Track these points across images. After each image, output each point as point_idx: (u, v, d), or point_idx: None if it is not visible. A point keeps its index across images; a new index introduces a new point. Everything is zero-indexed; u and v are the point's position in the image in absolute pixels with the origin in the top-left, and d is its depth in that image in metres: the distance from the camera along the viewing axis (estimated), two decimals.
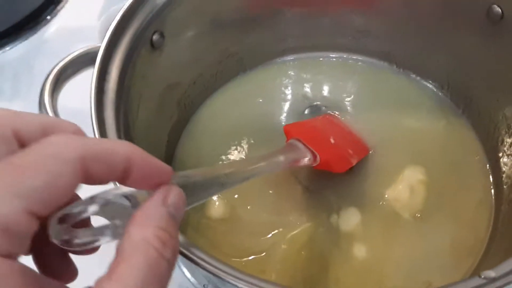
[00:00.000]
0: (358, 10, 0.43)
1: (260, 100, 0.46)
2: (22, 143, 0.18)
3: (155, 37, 0.35)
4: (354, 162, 0.39)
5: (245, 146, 0.42)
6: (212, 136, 0.43)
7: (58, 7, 0.59)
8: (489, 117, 0.41)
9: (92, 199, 0.19)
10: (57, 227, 0.18)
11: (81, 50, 0.31)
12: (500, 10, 0.35)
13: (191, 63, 0.41)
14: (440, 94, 0.45)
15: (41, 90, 0.29)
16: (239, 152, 0.42)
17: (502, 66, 0.38)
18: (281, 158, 0.34)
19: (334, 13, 0.44)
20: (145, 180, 0.19)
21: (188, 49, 0.40)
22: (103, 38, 0.52)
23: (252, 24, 0.43)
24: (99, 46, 0.31)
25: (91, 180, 0.18)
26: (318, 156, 0.36)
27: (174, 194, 0.20)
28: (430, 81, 0.45)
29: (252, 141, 0.42)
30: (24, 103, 0.50)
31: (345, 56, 0.48)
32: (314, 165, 0.37)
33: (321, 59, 0.48)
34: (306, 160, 0.36)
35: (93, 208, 0.18)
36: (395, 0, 0.41)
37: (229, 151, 0.42)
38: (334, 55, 0.48)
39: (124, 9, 0.32)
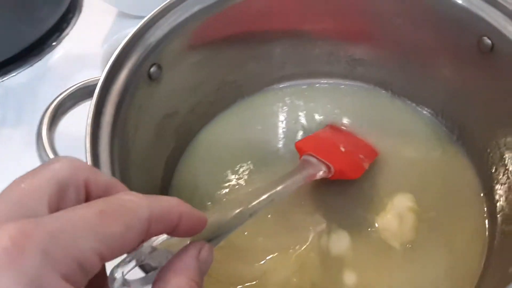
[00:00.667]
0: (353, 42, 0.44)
1: (258, 127, 0.46)
2: (88, 195, 0.21)
3: (152, 69, 0.36)
4: (366, 166, 0.40)
5: (244, 173, 0.43)
6: (210, 163, 0.43)
7: (63, 34, 0.61)
8: (483, 145, 0.41)
9: (143, 249, 0.21)
10: (120, 276, 0.20)
11: (80, 84, 0.32)
12: (490, 41, 0.36)
13: (188, 92, 0.42)
14: (435, 120, 0.45)
15: (39, 124, 0.30)
16: (237, 179, 0.42)
17: (495, 95, 0.38)
18: (299, 176, 0.36)
19: (329, 42, 0.45)
20: (187, 232, 0.22)
21: (185, 79, 0.41)
22: (105, 66, 0.54)
23: (248, 53, 0.44)
24: (98, 79, 0.32)
25: (147, 235, 0.20)
26: (332, 167, 0.38)
27: (205, 250, 0.23)
28: (425, 108, 0.45)
29: (250, 167, 0.43)
30: (28, 131, 0.51)
31: (340, 83, 0.48)
32: (329, 176, 0.38)
33: (317, 85, 0.49)
34: (321, 173, 0.38)
35: (144, 256, 0.21)
36: (389, 33, 0.41)
37: (228, 178, 0.42)
38: (329, 82, 0.48)
39: (122, 45, 0.33)
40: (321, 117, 0.47)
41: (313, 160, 0.38)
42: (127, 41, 0.33)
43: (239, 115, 0.47)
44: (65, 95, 0.32)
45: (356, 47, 0.44)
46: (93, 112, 0.31)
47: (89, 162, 0.28)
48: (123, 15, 0.62)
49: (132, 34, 0.34)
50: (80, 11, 0.63)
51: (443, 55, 0.40)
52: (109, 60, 0.54)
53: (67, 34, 0.61)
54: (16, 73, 0.57)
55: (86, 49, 0.60)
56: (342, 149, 0.41)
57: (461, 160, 0.42)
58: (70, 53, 0.60)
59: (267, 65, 0.46)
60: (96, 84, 0.32)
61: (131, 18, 0.62)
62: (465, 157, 0.42)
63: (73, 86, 0.32)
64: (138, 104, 0.35)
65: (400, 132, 0.45)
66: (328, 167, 0.38)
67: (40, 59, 0.58)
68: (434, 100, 0.45)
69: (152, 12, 0.36)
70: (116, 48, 0.55)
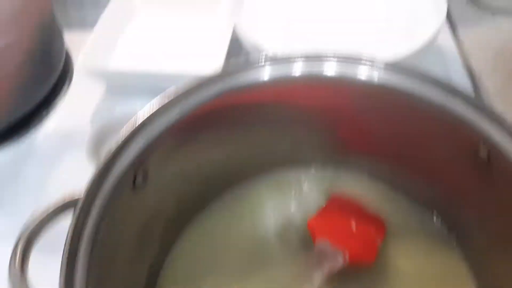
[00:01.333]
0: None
1: (249, 220, 0.45)
2: None
3: (137, 179, 0.35)
4: (379, 243, 0.39)
5: (234, 274, 0.40)
6: (197, 266, 0.41)
7: (50, 111, 0.59)
8: (480, 250, 0.39)
9: None
10: None
11: (58, 204, 0.30)
12: (486, 153, 0.35)
13: (174, 191, 0.40)
14: (433, 220, 0.43)
15: (11, 256, 0.28)
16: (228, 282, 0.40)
17: (494, 205, 0.37)
18: (320, 272, 0.35)
19: (323, 133, 0.44)
20: None
21: (171, 179, 0.39)
22: (95, 148, 0.53)
23: (235, 147, 0.43)
24: (77, 199, 0.30)
25: None
26: (347, 254, 0.36)
27: None
28: (424, 206, 0.44)
29: (244, 268, 0.41)
30: (7, 216, 0.48)
31: (336, 173, 0.47)
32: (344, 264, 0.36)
33: (312, 173, 0.47)
34: (338, 265, 0.36)
35: None
36: (385, 134, 0.40)
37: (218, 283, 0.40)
38: (322, 171, 0.47)
39: (103, 162, 0.32)
40: (312, 208, 0.45)
41: (329, 249, 0.36)
42: (108, 157, 0.32)
43: (228, 208, 0.45)
44: (42, 217, 0.30)
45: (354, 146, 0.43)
46: (70, 236, 0.29)
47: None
48: (111, 91, 0.61)
49: (115, 149, 0.33)
50: (68, 86, 0.62)
51: (442, 158, 0.39)
52: (97, 142, 0.53)
53: (53, 111, 0.60)
54: None
55: (74, 126, 0.58)
56: (354, 228, 0.40)
57: (460, 265, 0.40)
58: (57, 130, 0.58)
59: (256, 153, 0.45)
60: (74, 203, 0.30)
61: (120, 93, 0.61)
62: (463, 262, 0.41)
63: (48, 208, 0.30)
64: (120, 218, 0.33)
65: (394, 229, 0.43)
66: (344, 255, 0.36)
67: (25, 137, 0.57)
68: (432, 198, 0.43)
69: (138, 119, 0.34)
70: (104, 129, 0.55)
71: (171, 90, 0.36)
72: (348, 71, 0.35)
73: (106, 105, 0.60)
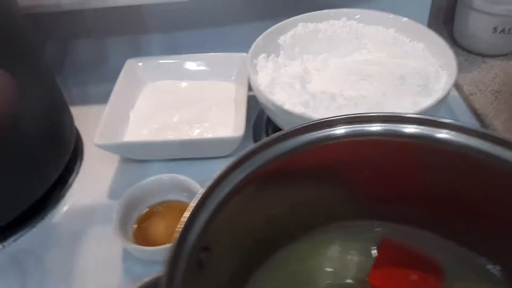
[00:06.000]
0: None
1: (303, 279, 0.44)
2: None
3: (202, 255, 0.34)
4: None
5: None
6: None
7: (66, 189, 0.58)
8: None
9: None
10: None
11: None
12: None
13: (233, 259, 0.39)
14: (492, 270, 0.43)
15: None
16: None
17: None
18: None
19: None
20: None
21: (232, 253, 0.38)
22: (122, 224, 0.51)
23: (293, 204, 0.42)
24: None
25: None
26: None
27: None
28: (481, 255, 0.43)
29: None
30: None
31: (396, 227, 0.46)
32: None
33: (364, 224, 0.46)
34: None
35: None
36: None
37: None
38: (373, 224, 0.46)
39: (177, 240, 0.31)
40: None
41: None
42: (175, 243, 0.31)
43: (278, 269, 0.44)
44: None
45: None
46: None
47: None
48: (125, 160, 0.61)
49: (185, 225, 0.32)
50: (81, 161, 0.61)
51: (491, 208, 0.40)
52: (122, 217, 0.51)
53: (70, 188, 0.58)
54: (14, 239, 0.52)
55: (92, 201, 0.56)
56: (414, 277, 0.39)
57: None
58: (74, 208, 0.56)
59: (313, 207, 0.44)
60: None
61: (134, 162, 0.60)
62: None
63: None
64: None
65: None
66: None
67: (43, 219, 0.55)
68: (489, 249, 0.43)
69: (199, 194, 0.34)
70: (129, 201, 0.53)
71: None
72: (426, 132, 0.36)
73: (122, 175, 0.58)
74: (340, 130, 0.36)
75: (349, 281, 0.43)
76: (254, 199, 0.39)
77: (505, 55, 0.71)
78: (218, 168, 0.56)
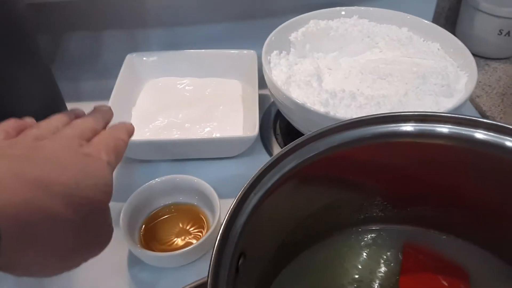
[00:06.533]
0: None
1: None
2: None
3: (240, 261, 0.31)
4: None
5: None
6: None
7: None
8: None
9: None
10: None
11: None
12: None
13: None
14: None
15: None
16: None
17: None
18: None
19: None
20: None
21: (261, 255, 0.36)
22: (130, 225, 0.48)
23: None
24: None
25: None
26: None
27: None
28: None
29: None
30: None
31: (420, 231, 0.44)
32: None
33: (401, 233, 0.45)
34: None
35: None
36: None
37: None
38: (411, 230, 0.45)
39: (217, 246, 0.29)
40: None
41: None
42: (216, 251, 0.29)
43: (303, 270, 0.42)
44: None
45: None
46: None
47: None
48: (126, 160, 0.57)
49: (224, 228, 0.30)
50: None
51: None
52: (130, 218, 0.48)
53: None
54: None
55: None
56: (442, 281, 0.39)
57: None
58: None
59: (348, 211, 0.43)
60: None
61: (135, 162, 0.57)
62: None
63: None
64: None
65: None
66: None
67: None
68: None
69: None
70: (136, 203, 0.50)
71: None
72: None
73: (125, 178, 0.55)
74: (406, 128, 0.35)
75: (375, 285, 0.42)
76: (289, 199, 0.37)
77: (507, 58, 0.71)
78: (226, 169, 0.55)
